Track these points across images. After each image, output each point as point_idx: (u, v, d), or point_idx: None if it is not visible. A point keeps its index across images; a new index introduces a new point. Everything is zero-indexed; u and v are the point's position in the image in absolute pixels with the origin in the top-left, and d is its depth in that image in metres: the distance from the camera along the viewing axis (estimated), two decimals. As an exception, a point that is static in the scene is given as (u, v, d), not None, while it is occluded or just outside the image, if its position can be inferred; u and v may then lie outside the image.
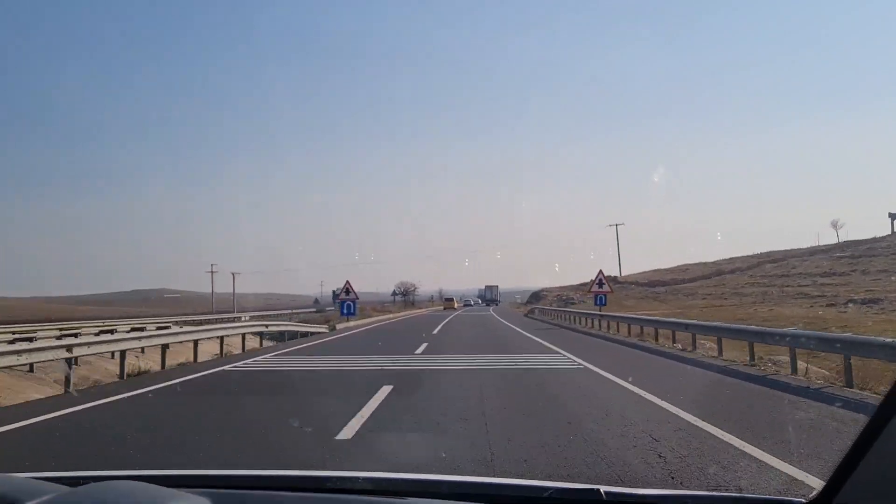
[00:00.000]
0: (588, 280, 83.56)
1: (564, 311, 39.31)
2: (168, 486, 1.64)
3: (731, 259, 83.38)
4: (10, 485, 1.44)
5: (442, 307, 75.46)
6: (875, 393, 8.45)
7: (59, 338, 15.30)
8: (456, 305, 78.60)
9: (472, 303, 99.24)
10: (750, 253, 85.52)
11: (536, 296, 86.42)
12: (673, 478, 4.43)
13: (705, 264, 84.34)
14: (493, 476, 4.24)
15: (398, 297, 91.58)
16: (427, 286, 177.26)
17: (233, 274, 70.63)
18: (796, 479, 4.37)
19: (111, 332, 17.11)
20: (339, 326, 29.07)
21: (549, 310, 43.40)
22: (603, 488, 1.67)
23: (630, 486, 3.62)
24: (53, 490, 1.40)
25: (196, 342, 14.67)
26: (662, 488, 3.85)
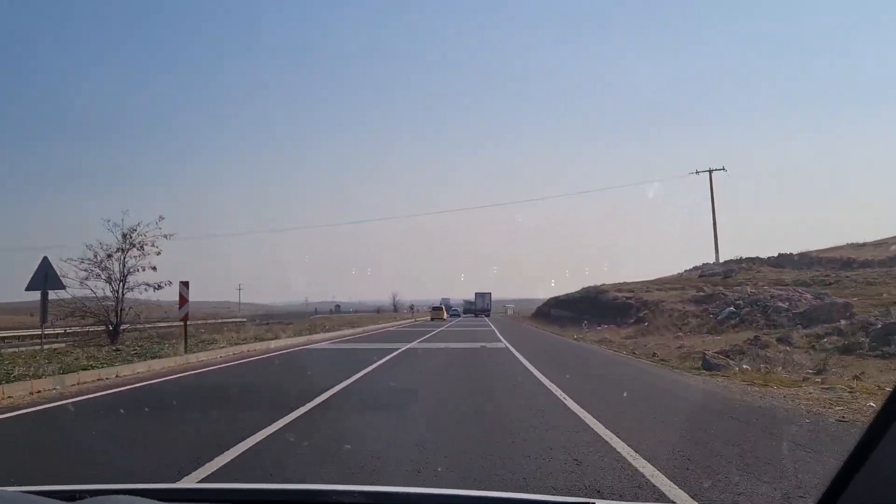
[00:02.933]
0: (691, 267, 46.80)
1: None
2: (167, 500, 1.62)
3: None
4: (1, 499, 1.41)
5: (429, 317, 65.11)
6: None
7: None
8: (445, 316, 67.12)
9: (461, 312, 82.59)
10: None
11: (588, 305, 38.80)
12: None
13: None
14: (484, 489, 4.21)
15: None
16: (379, 294, 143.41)
17: None
18: None
19: None
20: None
21: None
22: (598, 502, 1.75)
23: (624, 500, 3.59)
24: None
25: None
26: (657, 502, 3.84)
